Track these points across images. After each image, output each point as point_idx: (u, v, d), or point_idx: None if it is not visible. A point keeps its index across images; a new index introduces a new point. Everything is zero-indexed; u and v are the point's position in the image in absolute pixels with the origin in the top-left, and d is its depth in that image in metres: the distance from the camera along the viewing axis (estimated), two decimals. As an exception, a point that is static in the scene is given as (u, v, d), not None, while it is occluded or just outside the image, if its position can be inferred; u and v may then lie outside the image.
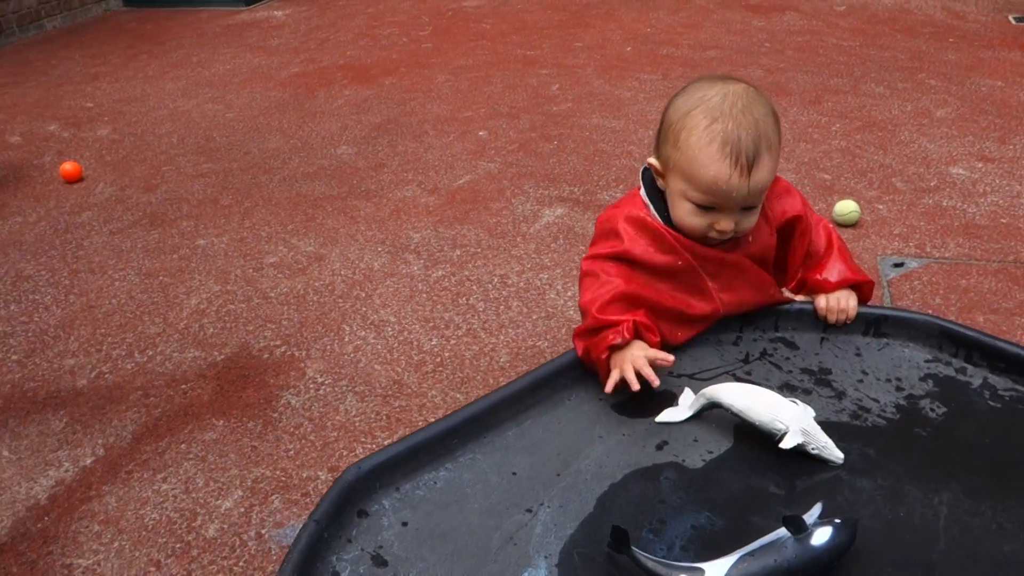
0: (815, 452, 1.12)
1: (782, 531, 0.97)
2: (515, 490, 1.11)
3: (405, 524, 1.05)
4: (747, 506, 1.07)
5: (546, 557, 1.01)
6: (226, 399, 2.16)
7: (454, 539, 1.04)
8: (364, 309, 2.53)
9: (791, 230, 1.39)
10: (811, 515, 1.00)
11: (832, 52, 4.70)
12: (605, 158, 3.50)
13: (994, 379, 1.23)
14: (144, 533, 1.75)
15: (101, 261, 2.94)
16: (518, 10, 6.26)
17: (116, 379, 2.27)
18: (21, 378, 2.31)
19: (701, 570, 0.95)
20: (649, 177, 1.34)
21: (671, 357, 1.22)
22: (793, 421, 1.12)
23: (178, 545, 1.72)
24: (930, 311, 2.28)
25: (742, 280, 1.33)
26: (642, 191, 1.34)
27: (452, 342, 2.33)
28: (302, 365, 2.27)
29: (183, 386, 2.22)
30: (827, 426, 1.18)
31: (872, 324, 1.33)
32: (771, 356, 1.33)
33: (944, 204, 2.88)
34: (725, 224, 1.24)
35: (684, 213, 1.26)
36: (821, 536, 0.96)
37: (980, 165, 3.18)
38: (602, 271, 1.29)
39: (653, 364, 1.20)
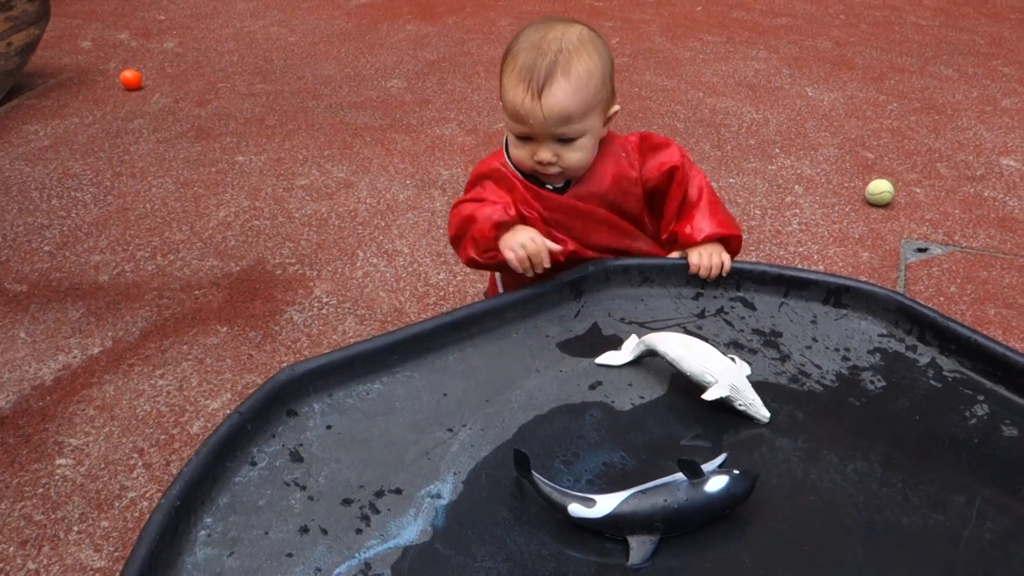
0: (741, 408, 1.13)
1: (679, 475, 0.99)
2: (442, 410, 1.15)
3: (329, 427, 1.10)
4: (662, 451, 1.09)
5: (455, 474, 1.05)
6: (233, 308, 2.24)
7: (372, 447, 1.08)
8: (380, 238, 2.58)
9: (669, 180, 1.40)
10: (712, 463, 1.02)
11: (908, 30, 4.53)
12: (648, 115, 3.46)
13: (942, 359, 1.22)
14: (134, 422, 1.85)
15: (143, 167, 3.04)
16: (595, -40, 6.16)
17: (136, 278, 2.37)
18: (49, 268, 2.42)
19: (593, 500, 0.97)
20: None
21: (557, 247, 1.28)
22: (723, 375, 1.13)
23: (163, 437, 1.81)
24: (942, 298, 2.23)
25: (591, 224, 1.37)
26: (505, 145, 1.38)
27: (459, 278, 2.37)
28: (311, 284, 2.34)
29: (196, 292, 2.31)
30: (764, 386, 1.19)
31: (833, 293, 1.32)
32: (727, 314, 1.33)
33: (985, 194, 2.80)
34: (541, 153, 1.28)
35: (511, 146, 1.32)
36: (715, 484, 0.98)
37: (1035, 159, 3.07)
38: (469, 205, 1.33)
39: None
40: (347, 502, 1.00)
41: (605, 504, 0.97)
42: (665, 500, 0.96)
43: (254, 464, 1.04)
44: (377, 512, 0.99)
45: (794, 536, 0.97)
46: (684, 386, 1.17)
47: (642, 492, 0.98)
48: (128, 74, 3.80)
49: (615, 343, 1.27)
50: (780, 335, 1.29)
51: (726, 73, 3.92)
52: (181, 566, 0.90)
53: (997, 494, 1.01)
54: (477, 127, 3.37)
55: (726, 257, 1.36)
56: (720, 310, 1.34)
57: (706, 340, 1.23)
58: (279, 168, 3.04)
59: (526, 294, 1.31)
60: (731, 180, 2.92)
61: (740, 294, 1.36)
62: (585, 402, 1.17)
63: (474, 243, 1.30)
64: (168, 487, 0.93)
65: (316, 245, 2.54)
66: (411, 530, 0.97)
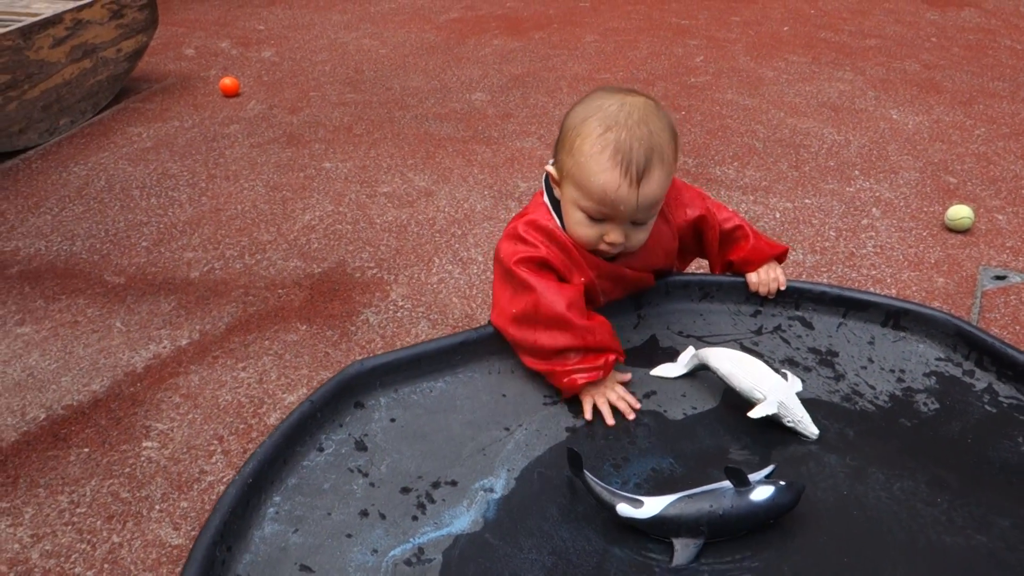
0: (790, 424, 1.16)
1: (726, 482, 1.02)
2: (500, 410, 1.21)
3: (393, 420, 1.17)
4: (711, 461, 1.13)
5: (508, 470, 1.11)
6: (313, 307, 2.34)
7: (432, 441, 1.15)
8: (457, 246, 2.66)
9: (700, 229, 1.42)
10: (759, 474, 1.05)
11: (1002, 54, 4.42)
12: (728, 134, 3.47)
13: (999, 385, 1.22)
14: (215, 411, 1.96)
15: (236, 170, 3.20)
16: (684, -22, 6.17)
17: (224, 276, 2.50)
18: (145, 263, 2.58)
19: (641, 501, 1.02)
20: (550, 185, 1.32)
21: (637, 404, 1.23)
22: (772, 392, 1.16)
23: (242, 426, 1.92)
24: (1017, 327, 2.19)
25: (632, 287, 1.37)
26: (545, 198, 1.32)
27: (530, 288, 2.43)
28: (388, 288, 2.43)
29: (279, 290, 2.43)
30: (816, 404, 1.21)
31: (892, 316, 1.33)
32: (784, 332, 1.35)
33: (1072, 224, 2.72)
34: (615, 236, 1.22)
35: (575, 223, 1.24)
36: (761, 493, 1.01)
37: None
38: (530, 277, 1.23)
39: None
40: (405, 490, 1.07)
41: (652, 506, 1.01)
42: (711, 506, 1.00)
43: (321, 450, 1.11)
44: (433, 502, 1.05)
45: (835, 549, 1.00)
46: (736, 400, 1.20)
47: (689, 497, 1.02)
48: (227, 81, 3.99)
49: (671, 355, 1.31)
50: (836, 354, 1.31)
51: (809, 94, 3.90)
52: (250, 538, 0.98)
53: (1043, 520, 1.01)
54: (556, 141, 3.42)
55: (781, 273, 1.39)
56: (778, 327, 1.36)
57: (761, 356, 1.26)
58: (363, 175, 3.15)
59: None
60: (807, 201, 2.91)
61: (799, 313, 1.38)
62: (639, 410, 1.21)
63: (543, 370, 1.24)
64: (242, 465, 1.01)
65: (395, 250, 2.63)
66: (463, 520, 1.03)
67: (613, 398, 1.22)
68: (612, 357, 1.23)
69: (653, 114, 1.21)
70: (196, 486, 1.75)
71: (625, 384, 1.26)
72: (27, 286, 2.46)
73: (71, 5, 3.63)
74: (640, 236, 1.26)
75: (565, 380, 1.20)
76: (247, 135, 3.53)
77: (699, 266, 2.22)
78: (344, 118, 3.70)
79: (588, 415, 1.20)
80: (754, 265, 1.39)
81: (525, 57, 4.47)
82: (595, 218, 1.22)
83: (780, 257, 1.42)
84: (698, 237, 1.44)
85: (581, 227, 1.24)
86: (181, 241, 2.70)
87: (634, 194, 1.17)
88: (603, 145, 1.16)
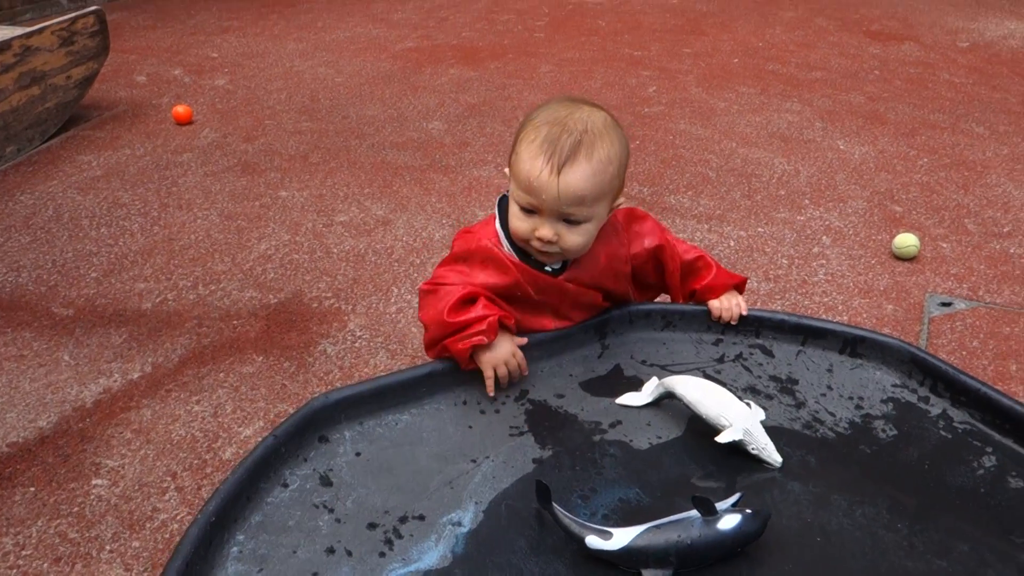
0: (755, 452, 1.17)
1: (694, 512, 1.03)
2: (467, 442, 1.20)
3: (359, 455, 1.16)
4: (677, 490, 1.13)
5: (476, 503, 1.10)
6: (270, 339, 2.31)
7: (398, 475, 1.13)
8: (415, 275, 2.65)
9: (660, 260, 1.45)
10: (726, 502, 1.05)
11: (941, 87, 4.57)
12: (682, 163, 3.52)
13: (953, 411, 1.25)
14: (169, 446, 1.92)
15: (190, 199, 3.15)
16: (636, 11, 6.29)
17: (177, 307, 2.46)
18: (95, 294, 2.52)
19: (609, 533, 1.02)
20: (504, 205, 1.35)
21: (526, 370, 1.28)
22: (738, 419, 1.17)
23: (196, 461, 1.88)
24: (964, 352, 2.25)
25: (578, 305, 1.37)
26: (497, 221, 1.36)
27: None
28: (345, 318, 2.41)
29: (235, 321, 2.39)
30: (778, 431, 1.23)
31: (849, 343, 1.36)
32: (745, 360, 1.37)
33: (1011, 251, 2.81)
34: (544, 231, 1.25)
35: (512, 215, 1.29)
36: (728, 522, 1.01)
37: (1066, 218, 3.08)
38: (442, 288, 1.30)
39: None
40: (372, 526, 1.05)
41: (621, 537, 1.01)
42: (679, 536, 1.00)
43: (286, 486, 1.09)
44: (400, 537, 1.04)
45: (801, 576, 1.00)
46: (700, 428, 1.21)
47: (657, 527, 1.02)
48: (180, 109, 3.94)
49: (636, 384, 1.31)
50: (796, 382, 1.33)
51: (759, 124, 3.98)
52: (214, 579, 0.95)
53: (1001, 543, 1.03)
54: (512, 170, 3.44)
55: (742, 300, 1.42)
56: (739, 356, 1.38)
57: (724, 385, 1.27)
58: (320, 204, 3.13)
59: (551, 335, 1.36)
60: (760, 229, 2.96)
61: (759, 341, 1.40)
62: (605, 440, 1.22)
63: (442, 350, 1.28)
64: (204, 503, 0.99)
65: (352, 280, 2.62)
66: (432, 555, 1.02)
67: (512, 365, 1.26)
68: (494, 318, 1.25)
69: (600, 122, 1.25)
70: (149, 525, 1.71)
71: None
72: (-29, 319, 2.40)
73: (19, 31, 3.57)
74: (574, 238, 1.27)
75: (460, 345, 1.23)
76: (201, 163, 3.49)
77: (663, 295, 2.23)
78: (300, 147, 3.68)
79: (491, 390, 1.25)
80: (716, 292, 1.41)
81: (481, 86, 4.50)
82: (526, 209, 1.26)
83: (740, 286, 1.45)
84: (659, 268, 1.46)
85: (516, 219, 1.28)
86: (132, 271, 2.65)
87: (554, 182, 1.20)
88: (536, 135, 1.23)
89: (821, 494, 1.12)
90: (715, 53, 5.18)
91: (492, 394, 1.25)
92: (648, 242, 1.42)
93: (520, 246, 1.32)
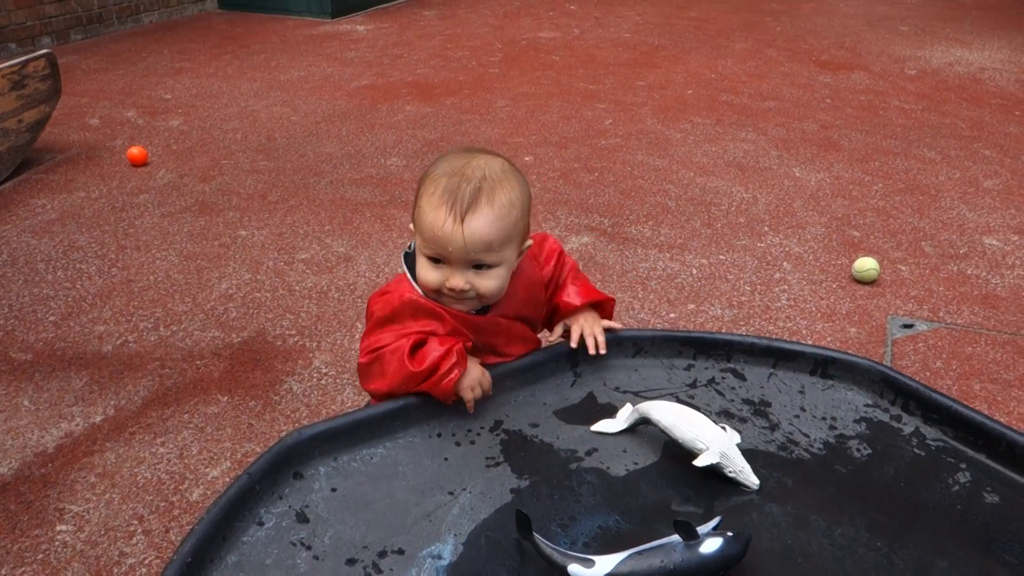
0: (732, 475, 1.17)
1: (675, 536, 1.02)
2: (443, 474, 1.18)
3: (334, 490, 1.14)
4: (656, 515, 1.13)
5: (455, 535, 1.08)
6: (234, 378, 2.28)
7: (376, 509, 1.12)
8: (380, 310, 2.63)
9: (557, 268, 1.45)
10: (707, 526, 1.05)
11: (892, 114, 4.69)
12: (641, 194, 3.56)
13: (925, 429, 1.26)
14: (134, 489, 1.87)
15: (148, 240, 3.11)
16: (589, 45, 6.38)
17: (139, 348, 2.42)
18: (54, 338, 2.47)
19: (592, 561, 1.01)
20: (411, 260, 1.34)
21: (489, 389, 1.29)
22: (714, 443, 1.17)
23: (163, 504, 1.83)
24: (928, 373, 2.29)
25: (512, 338, 1.38)
26: (407, 274, 1.34)
27: (456, 350, 2.42)
28: (310, 355, 2.39)
29: (198, 362, 2.35)
30: (754, 454, 1.23)
31: (820, 365, 1.37)
32: (718, 384, 1.38)
33: (968, 272, 2.88)
34: (454, 281, 1.25)
35: (421, 267, 1.27)
36: (710, 545, 1.01)
37: (1015, 238, 3.16)
38: (385, 349, 1.27)
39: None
40: (351, 562, 1.03)
41: (604, 565, 1.00)
42: (662, 561, 0.99)
43: (261, 524, 1.07)
44: (380, 572, 1.02)
45: (784, 598, 1.00)
46: (677, 453, 1.21)
47: (639, 553, 1.01)
48: (135, 150, 3.90)
49: (610, 411, 1.31)
50: (769, 404, 1.33)
51: (716, 154, 4.05)
52: (191, 622, 0.92)
53: (979, 557, 1.04)
54: (474, 204, 3.45)
55: (600, 333, 1.39)
56: (711, 380, 1.38)
57: (698, 409, 1.28)
58: (280, 242, 3.11)
59: (523, 364, 1.35)
60: (721, 257, 3.00)
61: (731, 365, 1.41)
62: (581, 467, 1.21)
63: (422, 388, 1.25)
64: (179, 544, 0.97)
65: (316, 317, 2.59)
66: (413, 590, 1.00)
67: (486, 384, 1.27)
68: (459, 346, 1.25)
69: (498, 168, 1.26)
70: (116, 570, 1.66)
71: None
72: (-77, 367, 2.33)
73: (-31, 75, 3.51)
74: (488, 283, 1.27)
75: (443, 385, 1.24)
76: (157, 204, 3.45)
77: (636, 319, 2.26)
78: (258, 185, 3.66)
79: (472, 409, 1.27)
80: (572, 306, 1.40)
81: (438, 122, 4.53)
82: (434, 259, 1.26)
83: (604, 306, 1.43)
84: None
85: (424, 271, 1.28)
86: (91, 314, 2.60)
87: (459, 231, 1.21)
88: (435, 187, 1.23)
89: (800, 515, 1.12)
90: (669, 85, 5.27)
91: (473, 412, 1.27)
92: (549, 252, 1.44)
93: (432, 298, 1.30)
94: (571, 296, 1.41)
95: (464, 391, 1.26)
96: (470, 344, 1.30)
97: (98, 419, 2.11)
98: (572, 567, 1.00)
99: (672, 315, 2.63)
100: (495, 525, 1.10)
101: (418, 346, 1.26)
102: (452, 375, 1.23)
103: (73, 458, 1.97)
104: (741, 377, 1.39)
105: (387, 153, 4.06)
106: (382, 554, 1.04)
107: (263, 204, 3.46)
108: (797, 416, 1.31)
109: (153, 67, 5.62)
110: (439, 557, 1.05)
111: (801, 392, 1.35)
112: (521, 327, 1.39)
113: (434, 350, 1.24)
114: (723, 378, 1.39)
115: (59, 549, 1.71)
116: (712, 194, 3.56)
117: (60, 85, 3.96)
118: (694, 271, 2.90)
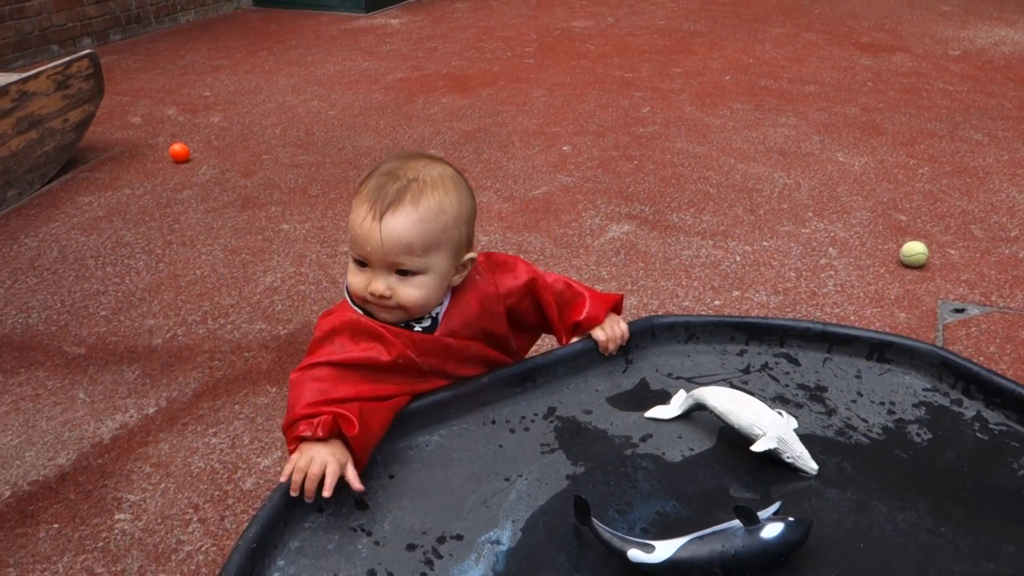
0: (790, 460, 1.16)
1: (736, 522, 1.01)
2: (499, 461, 1.19)
3: (392, 477, 1.15)
4: (714, 501, 1.12)
5: (513, 521, 1.09)
6: (282, 370, 2.30)
7: (433, 496, 1.12)
8: (423, 301, 2.64)
9: (534, 292, 1.37)
10: (767, 511, 1.04)
11: (936, 96, 4.60)
12: (681, 181, 3.54)
13: (987, 413, 1.24)
14: (189, 479, 1.90)
15: (193, 236, 3.15)
16: (624, 33, 6.34)
17: (188, 341, 2.45)
18: (106, 332, 2.51)
19: (652, 546, 1.00)
20: None
21: (360, 486, 1.09)
22: (771, 428, 1.16)
23: (217, 493, 1.86)
24: (981, 358, 2.25)
25: (464, 360, 1.30)
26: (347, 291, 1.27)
27: (500, 340, 2.42)
28: (357, 346, 2.40)
29: (246, 354, 2.38)
30: (811, 439, 1.22)
31: (876, 349, 1.35)
32: (771, 369, 1.37)
33: (1021, 255, 2.82)
34: (375, 285, 1.18)
35: (349, 272, 1.22)
36: (771, 530, 1.00)
37: (1069, 220, 3.10)
38: (309, 377, 1.17)
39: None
40: (411, 547, 1.04)
41: (664, 550, 1.00)
42: (723, 546, 0.99)
43: (321, 511, 1.08)
44: (440, 557, 1.03)
45: (847, 583, 0.99)
46: (733, 439, 1.20)
47: (700, 538, 1.00)
48: (177, 147, 3.95)
49: (663, 397, 1.31)
50: (825, 389, 1.32)
51: (756, 139, 4.00)
52: (257, 607, 0.94)
53: (1048, 542, 1.02)
54: (513, 195, 3.46)
55: (622, 323, 1.38)
56: (765, 365, 1.37)
57: (753, 395, 1.27)
58: (322, 235, 3.13)
59: (576, 350, 1.35)
60: (765, 243, 2.97)
61: (784, 350, 1.40)
62: (637, 454, 1.21)
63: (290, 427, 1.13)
64: (244, 530, 0.98)
65: (361, 309, 2.61)
66: (473, 574, 1.00)
67: (315, 470, 1.06)
68: (329, 417, 1.09)
69: (436, 173, 1.20)
70: (174, 557, 1.69)
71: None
72: (-18, 361, 2.38)
73: (16, 77, 3.58)
74: (409, 292, 1.19)
75: (289, 440, 1.12)
76: (201, 200, 3.49)
77: (680, 307, 2.24)
78: (298, 179, 3.69)
79: (284, 476, 1.06)
80: (599, 320, 1.37)
81: (475, 114, 4.53)
82: (357, 261, 1.20)
83: (618, 306, 1.40)
84: (535, 304, 1.39)
85: (351, 274, 1.22)
86: (141, 308, 2.64)
87: (376, 229, 1.15)
88: (366, 186, 1.19)
89: (860, 500, 1.11)
90: (706, 72, 5.22)
91: (283, 479, 1.06)
92: (519, 277, 1.36)
93: (361, 307, 1.23)
94: (593, 309, 1.36)
95: (290, 463, 1.08)
96: (353, 431, 1.10)
97: (151, 411, 2.14)
98: (632, 552, 1.00)
99: (717, 302, 2.61)
100: (552, 511, 1.11)
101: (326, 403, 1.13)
102: (297, 435, 1.10)
103: (129, 449, 2.00)
104: (795, 362, 1.38)
105: (424, 145, 4.07)
106: (441, 539, 1.05)
107: (304, 198, 3.48)
108: (854, 401, 1.29)
109: (191, 65, 5.68)
110: (498, 542, 1.05)
111: (858, 377, 1.34)
112: (478, 347, 1.30)
113: (311, 406, 1.12)
114: (776, 363, 1.38)
115: (118, 537, 1.75)
116: (754, 180, 3.53)
117: (103, 85, 4.02)
118: (738, 258, 2.87)
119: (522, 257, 1.44)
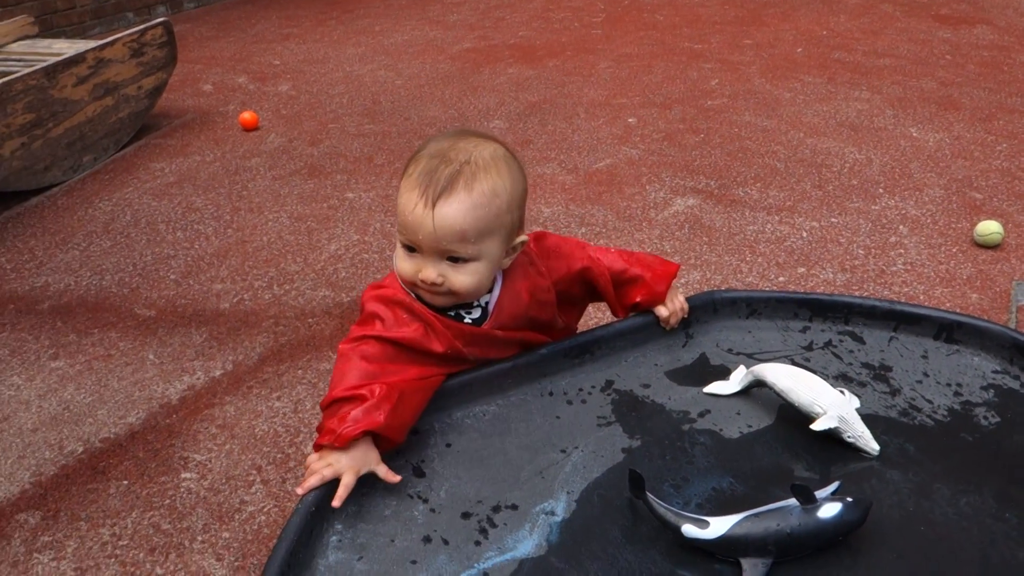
0: (850, 440, 1.14)
1: (792, 500, 1.00)
2: (556, 432, 1.19)
3: (449, 446, 1.16)
4: (772, 479, 1.11)
5: (568, 492, 1.09)
6: (345, 336, 2.33)
7: (489, 465, 1.13)
8: (484, 272, 2.66)
9: (588, 280, 1.34)
10: (825, 491, 1.03)
11: (1018, 70, 4.42)
12: (749, 155, 3.47)
13: (1060, 398, 1.20)
14: (252, 441, 1.95)
15: (260, 202, 3.21)
16: (694, 3, 6.22)
17: (254, 306, 2.51)
18: (175, 295, 2.58)
19: (706, 522, 1.00)
20: None
21: (395, 479, 1.08)
22: (832, 407, 1.14)
23: (279, 455, 1.91)
24: (1056, 342, 2.17)
25: (509, 347, 1.28)
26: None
27: (560, 312, 2.42)
28: (418, 315, 2.43)
29: (310, 319, 2.43)
30: (874, 419, 1.19)
31: (944, 329, 1.32)
32: (835, 347, 1.34)
33: (1103, 237, 2.71)
34: (426, 272, 1.14)
35: (397, 256, 1.19)
36: (829, 510, 0.99)
37: None
38: (358, 353, 1.15)
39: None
40: (466, 515, 1.05)
41: (719, 526, 0.99)
42: (778, 524, 0.98)
43: (378, 479, 1.10)
44: (494, 526, 1.04)
45: (906, 567, 0.98)
46: (792, 417, 1.19)
47: (755, 515, 1.00)
48: (246, 115, 4.02)
49: (723, 373, 1.29)
50: (890, 369, 1.29)
51: (827, 113, 3.90)
52: (315, 567, 0.97)
53: (1120, 533, 0.99)
54: (577, 167, 3.44)
55: (681, 296, 1.36)
56: (828, 343, 1.35)
57: (814, 372, 1.25)
58: (387, 204, 3.16)
59: (635, 324, 1.35)
60: (833, 220, 2.90)
61: (848, 328, 1.37)
62: (694, 429, 1.20)
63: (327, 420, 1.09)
64: (304, 494, 1.00)
65: (422, 278, 2.63)
66: (527, 544, 1.02)
67: (328, 474, 1.03)
68: (349, 433, 1.05)
69: (488, 154, 1.15)
70: (237, 516, 1.74)
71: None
72: (59, 321, 2.47)
73: (93, 44, 3.67)
74: (462, 279, 1.15)
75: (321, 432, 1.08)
76: (269, 167, 3.55)
77: (744, 282, 2.21)
78: (364, 148, 3.72)
79: (302, 489, 1.02)
80: (660, 298, 1.34)
81: (540, 84, 4.50)
82: (408, 248, 1.16)
83: (674, 276, 1.36)
84: (588, 287, 1.37)
85: (399, 260, 1.18)
86: (209, 273, 2.71)
87: (429, 216, 1.10)
88: (415, 168, 1.14)
89: (923, 483, 1.09)
90: (777, 43, 5.10)
91: (301, 492, 1.02)
92: (572, 265, 1.32)
93: (410, 291, 1.21)
94: (653, 288, 1.33)
95: (321, 461, 1.05)
96: (384, 430, 1.08)
97: (217, 373, 2.20)
98: (686, 527, 1.00)
99: (781, 279, 2.57)
100: (607, 484, 1.11)
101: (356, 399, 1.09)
102: (344, 430, 1.05)
103: (195, 410, 2.07)
104: (860, 340, 1.35)
105: (490, 116, 4.07)
106: (496, 508, 1.06)
107: (369, 167, 3.52)
108: (920, 381, 1.26)
109: (262, 34, 5.76)
110: (552, 513, 1.06)
111: (924, 357, 1.30)
112: (524, 334, 1.28)
113: (361, 403, 1.08)
114: (840, 341, 1.35)
115: (184, 495, 1.81)
116: (823, 155, 3.45)
117: (176, 52, 4.10)
118: (804, 234, 2.82)
119: (581, 233, 1.42)
